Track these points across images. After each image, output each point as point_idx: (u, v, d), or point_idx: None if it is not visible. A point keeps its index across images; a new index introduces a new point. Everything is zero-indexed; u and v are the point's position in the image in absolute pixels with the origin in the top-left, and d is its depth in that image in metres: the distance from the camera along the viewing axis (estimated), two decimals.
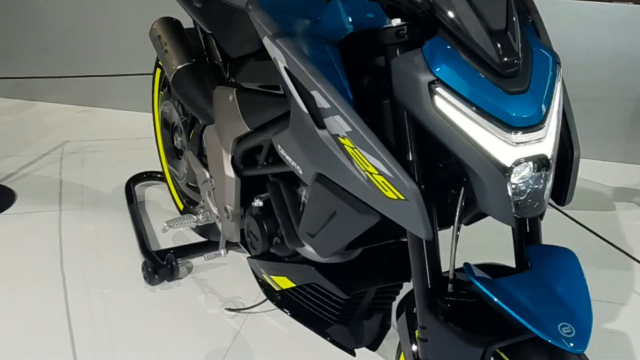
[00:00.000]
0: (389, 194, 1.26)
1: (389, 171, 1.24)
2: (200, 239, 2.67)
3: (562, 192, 1.38)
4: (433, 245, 1.34)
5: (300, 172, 1.48)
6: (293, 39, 1.37)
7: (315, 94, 1.31)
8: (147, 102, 2.85)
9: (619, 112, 3.65)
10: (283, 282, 1.83)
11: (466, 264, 1.34)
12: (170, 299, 2.46)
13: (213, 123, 2.05)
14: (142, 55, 3.19)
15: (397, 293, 1.87)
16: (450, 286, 1.35)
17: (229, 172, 1.96)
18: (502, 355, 1.27)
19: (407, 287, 1.76)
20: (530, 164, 1.21)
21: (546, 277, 1.30)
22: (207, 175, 2.12)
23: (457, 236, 1.33)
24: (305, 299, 1.79)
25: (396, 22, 1.28)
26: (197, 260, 2.67)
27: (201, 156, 2.19)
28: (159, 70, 2.68)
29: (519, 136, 1.19)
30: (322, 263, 1.69)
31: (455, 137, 1.20)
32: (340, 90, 1.30)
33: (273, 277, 1.86)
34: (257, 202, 1.88)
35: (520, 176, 1.21)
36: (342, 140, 1.31)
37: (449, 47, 1.21)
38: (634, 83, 3.56)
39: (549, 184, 1.24)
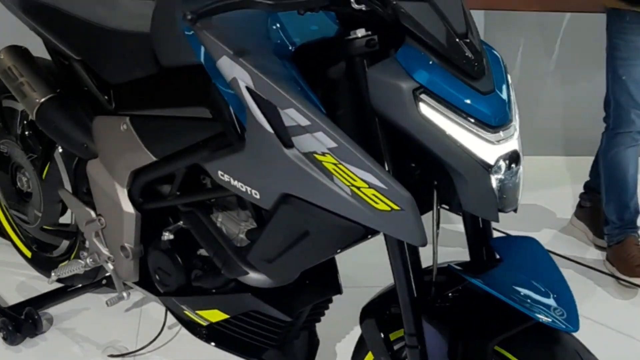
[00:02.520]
0: (381, 207, 1.24)
1: (382, 183, 1.22)
2: (51, 287, 2.42)
3: None
4: (415, 252, 1.35)
5: (257, 196, 1.40)
6: (253, 56, 1.29)
7: (290, 112, 1.25)
8: None
9: None
10: (213, 315, 1.72)
11: (450, 265, 1.36)
12: (41, 356, 2.24)
13: (96, 157, 1.87)
14: None
15: (327, 307, 1.84)
16: (433, 289, 1.37)
17: (127, 207, 1.80)
18: (501, 350, 1.31)
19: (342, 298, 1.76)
20: (507, 160, 1.26)
21: (521, 266, 1.36)
22: (93, 214, 1.93)
23: (437, 236, 1.35)
24: (239, 328, 1.71)
25: (361, 32, 1.27)
26: (55, 310, 2.44)
27: (81, 194, 1.98)
28: None
29: (499, 134, 1.24)
30: (260, 288, 1.62)
31: (439, 140, 1.22)
32: (315, 105, 1.26)
33: (199, 312, 1.74)
34: (167, 236, 1.75)
35: (501, 172, 1.25)
36: (319, 157, 1.26)
37: (421, 53, 1.22)
38: None
39: (522, 178, 1.30)
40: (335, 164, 1.25)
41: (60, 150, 2.15)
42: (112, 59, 1.78)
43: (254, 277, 1.58)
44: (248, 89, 1.29)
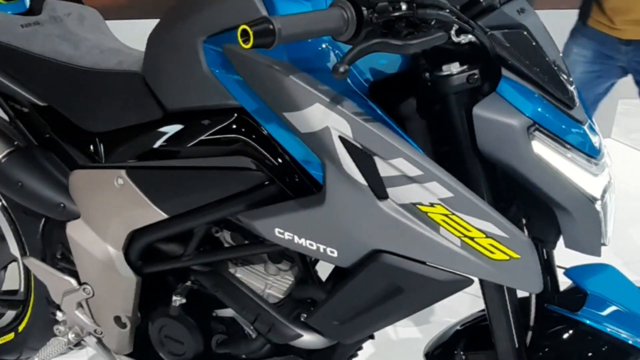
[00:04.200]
0: (497, 256, 1.14)
1: (504, 231, 1.13)
2: None
3: None
4: (514, 296, 1.27)
5: (335, 254, 1.25)
6: (348, 102, 1.14)
7: (397, 162, 1.12)
8: None
9: None
10: None
11: (550, 305, 1.30)
12: None
13: (77, 217, 1.61)
14: None
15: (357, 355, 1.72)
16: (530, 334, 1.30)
17: (125, 271, 1.57)
18: None
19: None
20: (606, 191, 1.21)
21: (608, 294, 1.32)
22: (74, 283, 1.66)
23: None
24: None
25: (455, 67, 1.16)
26: None
27: (54, 261, 1.70)
28: None
29: (599, 165, 1.19)
30: (307, 350, 1.48)
31: (549, 176, 1.15)
32: (422, 153, 1.14)
33: None
34: (179, 300, 1.55)
35: (603, 204, 1.20)
36: (424, 208, 1.14)
37: (523, 86, 1.14)
38: None
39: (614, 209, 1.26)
40: (445, 215, 1.14)
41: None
42: (92, 103, 1.53)
43: (308, 339, 1.43)
44: (341, 138, 1.14)
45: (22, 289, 1.92)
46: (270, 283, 1.52)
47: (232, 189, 1.38)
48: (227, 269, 1.53)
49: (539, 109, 1.13)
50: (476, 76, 1.16)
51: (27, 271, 1.89)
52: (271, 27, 0.96)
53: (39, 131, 1.63)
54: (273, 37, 0.96)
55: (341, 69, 1.00)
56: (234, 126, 1.34)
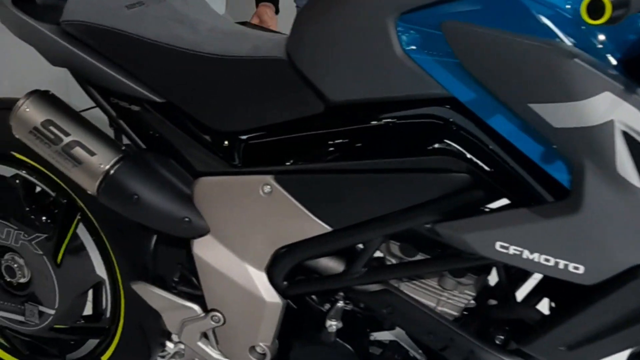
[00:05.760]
0: None
1: None
2: None
3: None
4: None
5: (579, 271, 1.04)
6: (634, 87, 0.93)
7: None
8: None
9: None
10: None
11: None
12: None
13: (204, 234, 1.35)
14: None
15: None
16: None
17: (268, 295, 1.33)
18: None
19: None
20: None
21: None
22: (198, 309, 1.40)
23: None
24: None
25: None
26: None
27: (174, 285, 1.43)
28: None
29: None
30: None
31: None
32: None
33: None
34: (334, 324, 1.32)
35: None
36: None
37: None
38: None
39: None
40: None
41: (82, 226, 1.58)
42: (226, 98, 1.28)
43: None
44: (625, 134, 0.93)
45: (107, 315, 1.66)
46: (444, 300, 1.30)
47: (424, 196, 1.15)
48: (393, 285, 1.31)
49: None
50: None
51: (115, 295, 1.62)
52: None
53: (151, 133, 1.36)
54: (627, 7, 0.74)
55: None
56: (432, 120, 1.12)
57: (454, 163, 1.11)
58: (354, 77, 1.15)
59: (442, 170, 1.12)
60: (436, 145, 1.12)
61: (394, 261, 1.32)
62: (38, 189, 1.60)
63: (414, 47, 1.08)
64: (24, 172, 1.58)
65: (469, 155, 1.10)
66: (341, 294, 1.35)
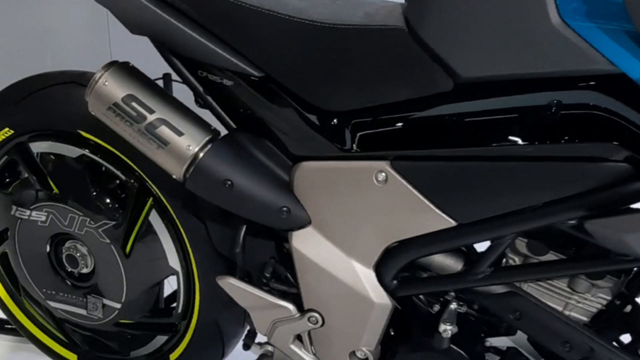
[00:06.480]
0: None
1: None
2: None
3: None
4: None
5: None
6: None
7: None
8: None
9: None
10: None
11: None
12: None
13: (304, 225, 1.20)
14: None
15: None
16: None
17: (377, 295, 1.18)
18: None
19: None
20: None
21: None
22: (293, 309, 1.26)
23: None
24: None
25: None
26: None
27: (265, 282, 1.29)
28: None
29: None
30: None
31: None
32: None
33: None
34: (449, 329, 1.18)
35: None
36: None
37: None
38: None
39: None
40: None
41: (155, 212, 1.43)
42: (336, 72, 1.12)
43: None
44: None
45: (179, 310, 1.51)
46: (572, 304, 1.16)
47: (573, 188, 1.00)
48: (519, 286, 1.16)
49: None
50: None
51: (189, 289, 1.48)
52: None
53: (242, 111, 1.21)
54: None
55: None
56: (591, 100, 0.96)
57: (612, 151, 0.95)
58: (494, 49, 0.99)
59: (597, 159, 0.97)
60: (594, 130, 0.96)
61: (516, 259, 1.17)
62: (105, 171, 1.45)
63: (574, 13, 0.92)
64: (90, 153, 1.43)
65: (632, 143, 0.94)
66: (452, 294, 1.21)
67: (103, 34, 2.54)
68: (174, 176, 1.22)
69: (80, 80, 1.41)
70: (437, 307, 1.23)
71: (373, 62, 1.10)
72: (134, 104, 1.20)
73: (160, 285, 1.54)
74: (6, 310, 1.72)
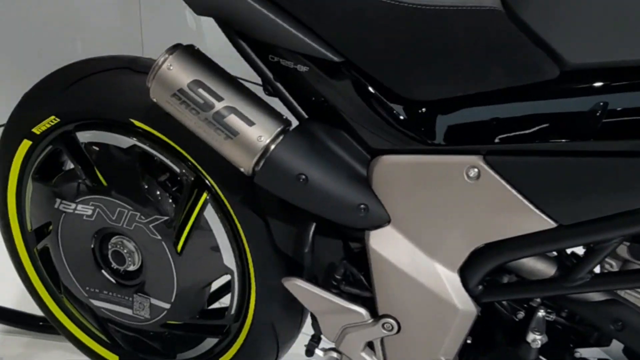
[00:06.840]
0: None
1: None
2: None
3: None
4: None
5: None
6: None
7: None
8: None
9: None
10: None
11: None
12: None
13: (383, 225, 1.11)
14: None
15: None
16: None
17: (462, 301, 1.09)
18: None
19: None
20: None
21: None
22: (366, 315, 1.17)
23: None
24: None
25: None
26: None
27: (335, 284, 1.20)
28: (25, 143, 1.46)
29: None
30: None
31: None
32: None
33: None
34: (539, 339, 1.09)
35: None
36: None
37: None
38: None
39: None
40: None
41: (210, 207, 1.34)
42: (424, 58, 1.03)
43: None
44: None
45: (232, 312, 1.42)
46: None
47: None
48: (619, 294, 1.07)
49: None
50: None
51: (244, 290, 1.39)
52: None
53: (314, 99, 1.12)
54: None
55: None
56: None
57: None
58: (608, 32, 0.90)
59: None
60: None
61: (614, 264, 1.08)
62: (157, 163, 1.36)
63: None
64: (142, 143, 1.34)
65: None
66: (537, 300, 1.12)
67: (135, 19, 2.46)
68: (242, 169, 1.13)
69: (134, 65, 1.32)
70: (521, 314, 1.14)
71: (466, 47, 1.00)
72: (200, 91, 1.11)
73: (210, 285, 1.45)
74: (44, 307, 1.64)
